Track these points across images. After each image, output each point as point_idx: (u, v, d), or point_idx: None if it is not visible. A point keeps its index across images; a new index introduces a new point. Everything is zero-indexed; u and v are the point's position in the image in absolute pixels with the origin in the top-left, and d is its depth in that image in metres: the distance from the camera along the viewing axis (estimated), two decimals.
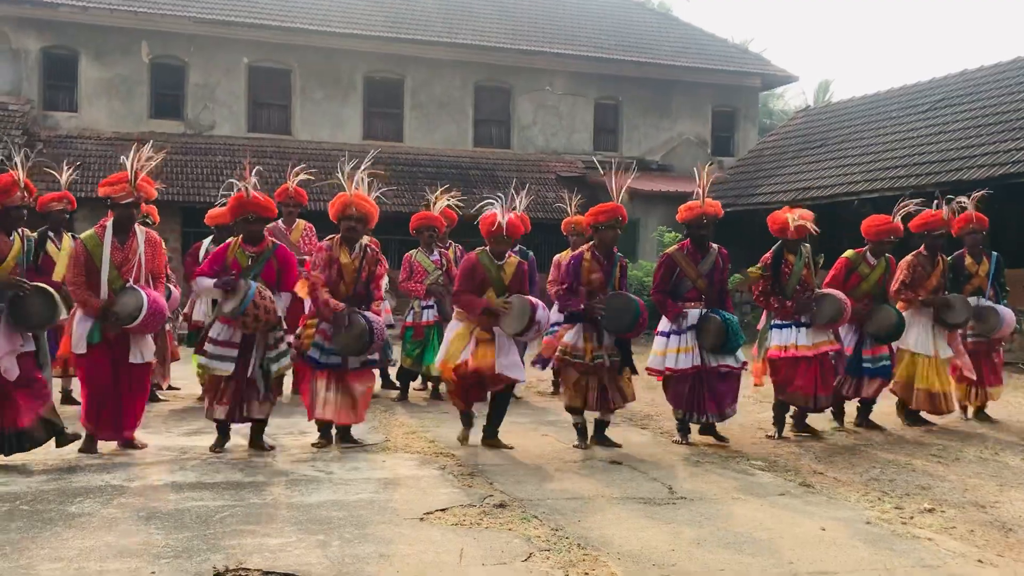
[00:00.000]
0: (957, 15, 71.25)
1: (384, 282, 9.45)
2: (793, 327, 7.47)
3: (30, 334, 6.05)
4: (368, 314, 6.65)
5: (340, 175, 6.83)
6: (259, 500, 5.31)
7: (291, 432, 7.36)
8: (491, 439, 7.01)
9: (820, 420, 8.14)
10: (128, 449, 6.56)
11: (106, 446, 6.57)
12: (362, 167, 6.89)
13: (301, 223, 9.59)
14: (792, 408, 7.73)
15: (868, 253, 7.99)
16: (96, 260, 6.27)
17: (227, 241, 6.84)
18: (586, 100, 23.30)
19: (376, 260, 6.95)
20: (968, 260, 8.63)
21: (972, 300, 8.42)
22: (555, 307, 9.95)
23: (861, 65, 66.21)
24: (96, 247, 6.29)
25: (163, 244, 6.78)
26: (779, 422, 7.68)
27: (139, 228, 6.53)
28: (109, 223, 6.39)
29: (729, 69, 24.16)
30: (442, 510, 5.14)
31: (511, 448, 6.89)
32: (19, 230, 6.09)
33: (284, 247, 6.88)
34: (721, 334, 6.98)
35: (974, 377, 8.43)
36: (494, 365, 6.71)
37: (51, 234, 8.41)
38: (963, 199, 8.58)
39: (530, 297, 6.78)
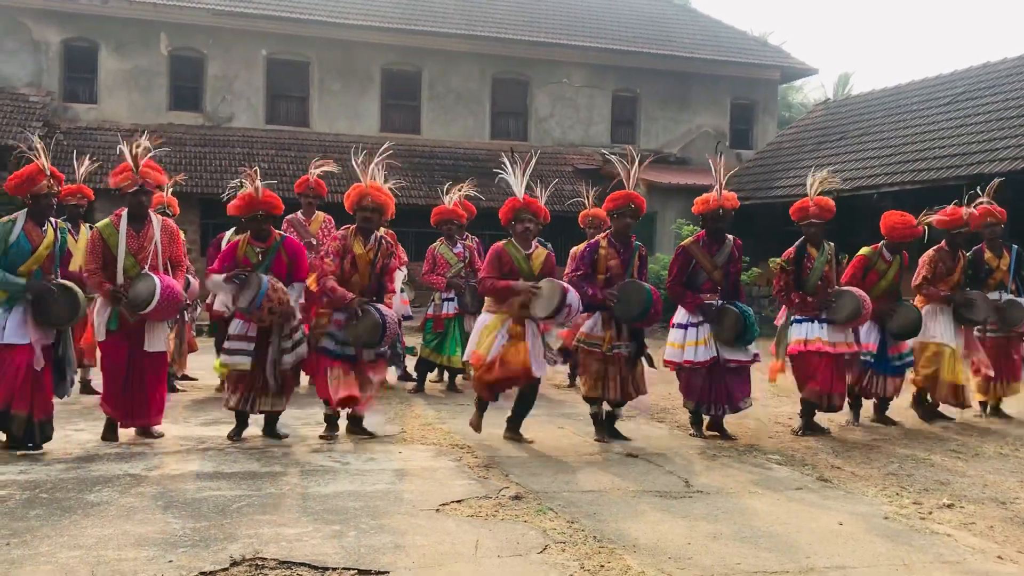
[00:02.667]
0: (979, 7, 70.55)
1: (403, 274, 9.44)
2: (815, 322, 7.43)
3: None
4: (381, 307, 6.63)
5: (355, 165, 6.83)
6: (276, 490, 5.33)
7: (308, 423, 7.38)
8: (513, 433, 6.99)
9: (832, 417, 8.09)
10: (145, 437, 6.62)
11: (126, 435, 6.63)
12: (377, 157, 6.88)
13: (320, 215, 9.61)
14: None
15: (884, 249, 7.93)
16: (112, 248, 6.35)
17: (235, 240, 6.88)
18: (604, 92, 23.21)
19: (390, 253, 6.93)
20: (988, 254, 8.54)
21: (994, 295, 8.36)
22: None
23: (881, 58, 65.76)
24: (112, 235, 6.36)
25: (181, 232, 6.81)
26: (807, 419, 7.59)
27: (155, 216, 6.59)
28: (124, 212, 6.46)
29: (748, 61, 24.01)
30: (458, 501, 5.15)
31: (531, 442, 6.88)
32: (51, 220, 6.17)
33: (292, 239, 6.92)
34: (738, 326, 6.94)
35: (991, 373, 8.36)
36: (528, 363, 6.62)
37: (68, 226, 8.48)
38: (982, 198, 8.47)
39: (561, 281, 6.69)
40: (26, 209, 6.09)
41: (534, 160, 7.04)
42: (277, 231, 6.85)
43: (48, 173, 6.06)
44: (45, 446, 6.19)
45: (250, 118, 20.77)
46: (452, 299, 9.50)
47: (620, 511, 5.07)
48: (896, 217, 7.97)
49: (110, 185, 6.57)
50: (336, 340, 6.67)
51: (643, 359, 7.01)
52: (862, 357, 7.74)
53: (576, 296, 6.62)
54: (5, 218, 6.05)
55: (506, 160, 6.99)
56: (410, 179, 18.87)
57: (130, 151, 6.37)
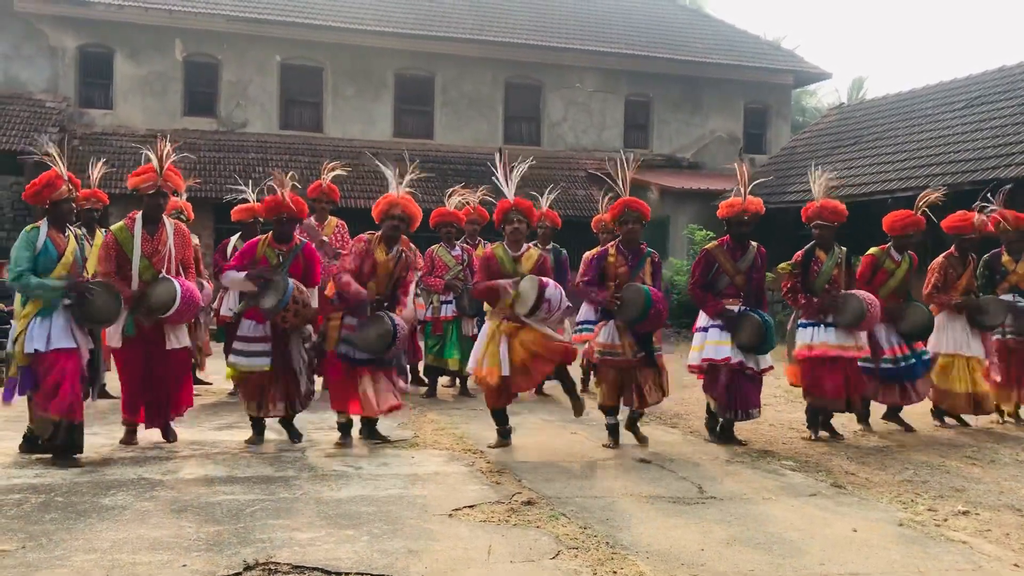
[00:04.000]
0: (994, 10, 70.19)
1: (417, 275, 9.47)
2: (821, 326, 7.42)
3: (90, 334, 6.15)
4: (395, 316, 6.64)
5: (388, 172, 6.84)
6: (289, 494, 5.34)
7: (321, 427, 7.40)
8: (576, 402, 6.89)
9: (846, 423, 8.06)
10: (165, 439, 6.68)
11: (141, 439, 6.66)
12: (409, 173, 6.90)
13: (333, 220, 9.65)
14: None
15: (892, 249, 7.95)
16: (127, 251, 6.40)
17: (256, 238, 6.91)
18: (616, 97, 23.21)
19: (407, 266, 6.91)
20: (1005, 258, 8.54)
21: (1008, 298, 8.35)
22: (583, 306, 9.96)
23: (896, 62, 65.49)
24: (127, 239, 6.42)
25: (192, 236, 6.84)
26: (813, 423, 7.60)
27: (168, 219, 6.63)
28: (139, 215, 6.50)
29: (761, 66, 23.96)
30: (470, 507, 5.15)
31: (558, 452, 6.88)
32: (72, 228, 6.20)
33: (310, 244, 6.97)
34: (759, 334, 6.91)
35: (999, 379, 8.32)
36: (541, 343, 6.55)
37: (83, 231, 8.52)
38: (990, 205, 8.45)
39: (541, 277, 6.61)
40: (46, 217, 6.08)
41: (525, 165, 7.07)
42: (299, 237, 6.91)
43: (66, 178, 6.07)
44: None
45: (264, 123, 20.86)
46: (450, 302, 9.52)
47: (633, 517, 5.06)
48: (894, 213, 8.03)
49: (128, 186, 6.63)
50: (352, 345, 6.64)
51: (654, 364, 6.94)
52: (892, 364, 7.75)
53: (558, 291, 6.58)
54: (30, 226, 6.05)
55: (497, 162, 6.98)
56: (422, 184, 18.89)
57: (156, 154, 6.43)
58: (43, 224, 6.05)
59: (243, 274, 6.59)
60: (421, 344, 9.92)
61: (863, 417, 8.05)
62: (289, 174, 6.97)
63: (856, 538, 4.76)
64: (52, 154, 6.09)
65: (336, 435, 7.09)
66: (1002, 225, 8.40)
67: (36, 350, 5.86)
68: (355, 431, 7.00)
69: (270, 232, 6.82)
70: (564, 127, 22.88)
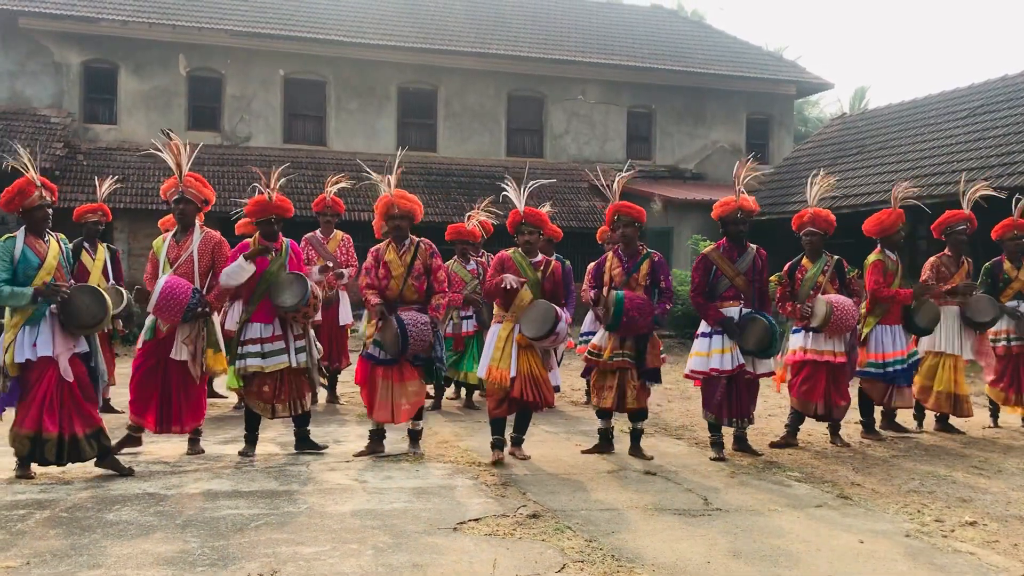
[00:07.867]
0: (997, 19, 70.28)
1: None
2: (806, 331, 7.53)
3: (83, 337, 6.06)
4: (405, 316, 6.61)
5: (376, 179, 6.98)
6: (293, 509, 5.34)
7: (324, 440, 7.39)
8: (516, 446, 7.00)
9: (851, 433, 8.04)
10: (192, 451, 6.84)
11: (145, 452, 6.66)
12: (395, 170, 6.98)
13: (339, 234, 9.67)
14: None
15: (885, 251, 8.07)
16: (159, 258, 6.65)
17: (245, 242, 6.94)
18: (619, 108, 23.26)
19: (431, 253, 6.92)
20: (1007, 265, 8.60)
21: (1012, 303, 8.45)
22: (588, 316, 9.97)
23: (898, 72, 65.55)
24: (160, 246, 6.70)
25: (226, 244, 6.84)
26: (792, 427, 7.70)
27: (199, 227, 6.73)
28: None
29: (763, 76, 24.00)
30: (475, 520, 5.14)
31: (528, 457, 6.90)
32: (54, 233, 6.14)
33: (294, 242, 7.14)
34: (766, 337, 6.92)
35: (991, 378, 8.46)
36: (544, 375, 6.72)
37: (86, 244, 8.56)
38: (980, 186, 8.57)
39: (556, 307, 6.67)
40: (24, 226, 5.99)
41: (534, 183, 7.20)
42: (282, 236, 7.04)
43: (39, 184, 5.98)
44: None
45: (268, 137, 20.92)
46: (471, 316, 9.51)
47: (639, 529, 5.05)
48: (875, 217, 8.15)
49: (161, 196, 6.87)
50: (379, 346, 6.77)
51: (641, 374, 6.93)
52: (897, 367, 7.83)
53: (566, 326, 6.69)
54: (5, 236, 5.96)
55: (509, 179, 7.08)
56: (426, 196, 18.96)
57: (174, 160, 6.55)
58: (20, 233, 5.97)
59: (243, 262, 6.63)
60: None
61: (869, 426, 8.06)
62: (275, 174, 7.06)
63: (863, 550, 4.74)
64: (25, 161, 6.02)
65: (341, 447, 7.09)
66: (1012, 232, 8.49)
67: (27, 359, 5.81)
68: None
69: (256, 234, 6.95)
70: (567, 139, 22.93)
